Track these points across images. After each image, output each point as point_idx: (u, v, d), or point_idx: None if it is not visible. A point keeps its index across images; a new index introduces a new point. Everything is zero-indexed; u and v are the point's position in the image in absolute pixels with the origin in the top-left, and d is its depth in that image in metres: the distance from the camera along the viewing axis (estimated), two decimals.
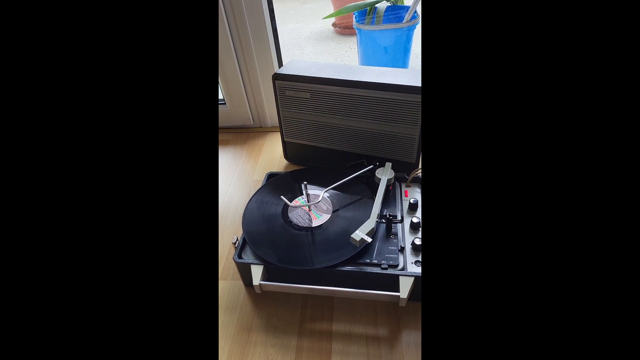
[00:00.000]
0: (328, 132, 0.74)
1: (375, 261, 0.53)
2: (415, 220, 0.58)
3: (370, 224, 0.54)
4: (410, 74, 0.66)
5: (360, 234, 0.53)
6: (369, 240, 0.52)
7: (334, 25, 2.35)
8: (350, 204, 0.62)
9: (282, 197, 0.60)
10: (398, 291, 0.49)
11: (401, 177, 0.67)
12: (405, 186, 0.67)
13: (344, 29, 2.26)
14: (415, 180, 0.68)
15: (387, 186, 0.63)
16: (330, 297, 0.56)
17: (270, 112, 0.99)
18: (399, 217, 0.60)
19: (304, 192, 0.60)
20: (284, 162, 0.86)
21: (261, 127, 1.01)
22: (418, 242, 0.54)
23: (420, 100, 0.62)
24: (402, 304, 0.49)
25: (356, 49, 1.85)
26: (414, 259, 0.54)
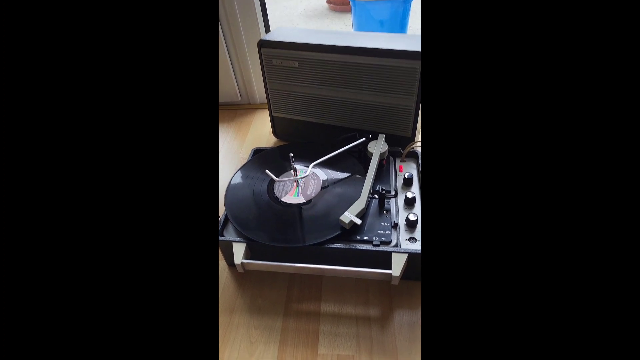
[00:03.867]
0: (319, 106, 0.69)
1: (367, 238, 0.49)
2: (410, 195, 0.54)
3: (360, 204, 0.51)
4: (407, 39, 0.61)
5: (349, 215, 0.49)
6: (359, 222, 0.48)
7: (328, 2, 2.26)
8: (340, 180, 0.58)
9: (267, 171, 0.55)
10: (390, 269, 0.46)
11: (396, 151, 0.64)
12: (400, 161, 0.63)
13: (338, 4, 2.18)
14: (410, 155, 0.64)
15: (381, 160, 0.59)
16: (318, 277, 0.53)
17: (259, 88, 0.93)
18: (392, 193, 0.56)
19: (291, 165, 0.56)
20: (273, 139, 0.82)
21: (249, 103, 0.96)
22: (412, 217, 0.51)
23: (417, 66, 0.57)
24: (395, 282, 0.46)
25: (351, 26, 1.78)
26: (407, 236, 0.50)
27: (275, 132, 0.80)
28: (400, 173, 0.61)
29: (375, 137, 0.61)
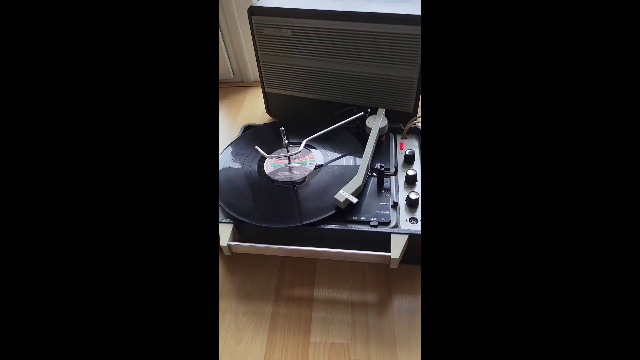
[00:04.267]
0: (314, 80, 0.65)
1: (364, 218, 0.45)
2: (411, 173, 0.50)
3: (356, 181, 0.47)
4: (409, 3, 0.56)
5: (344, 193, 0.45)
6: (355, 200, 0.44)
7: None
8: (336, 157, 0.54)
9: (257, 147, 0.51)
10: (389, 251, 0.42)
11: (396, 127, 0.59)
12: (401, 138, 0.59)
13: None
14: (412, 132, 0.59)
15: (380, 136, 0.55)
16: (312, 260, 0.49)
17: (252, 64, 0.88)
18: (392, 170, 0.52)
19: (283, 141, 0.52)
20: (267, 117, 0.77)
21: (242, 81, 0.92)
22: (414, 196, 0.47)
23: (419, 33, 0.52)
24: (394, 265, 0.42)
25: None
26: (408, 216, 0.47)
27: (269, 110, 0.75)
28: (401, 150, 0.56)
29: (374, 112, 0.57)
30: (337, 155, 0.55)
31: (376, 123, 0.54)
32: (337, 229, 0.44)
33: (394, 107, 0.62)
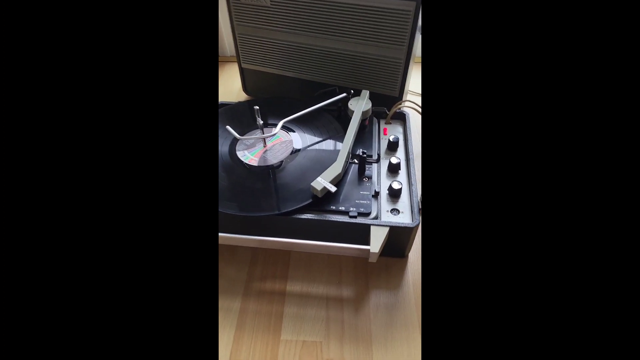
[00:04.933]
0: (294, 56, 0.60)
1: (342, 208, 0.42)
2: (394, 160, 0.47)
3: (336, 168, 0.43)
4: None
5: (322, 181, 0.41)
6: (333, 189, 0.41)
7: None
8: (315, 141, 0.50)
9: (228, 127, 0.47)
10: (368, 244, 0.39)
11: (381, 111, 0.55)
12: (385, 123, 0.55)
13: None
14: (397, 117, 0.56)
15: (363, 120, 0.51)
16: (286, 252, 0.46)
17: (227, 36, 0.82)
18: (375, 157, 0.48)
19: (257, 121, 0.47)
20: (243, 96, 0.72)
21: (217, 55, 0.85)
22: (396, 186, 0.44)
23: (411, 8, 0.48)
24: (373, 259, 0.39)
25: None
26: (390, 207, 0.44)
27: (245, 88, 0.70)
28: (385, 136, 0.53)
29: (357, 94, 0.53)
30: (317, 139, 0.51)
31: (359, 106, 0.50)
32: (314, 220, 0.41)
33: (379, 90, 0.58)
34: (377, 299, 0.41)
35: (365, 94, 0.52)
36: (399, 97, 0.58)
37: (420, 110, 0.56)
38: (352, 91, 0.53)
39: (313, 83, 0.62)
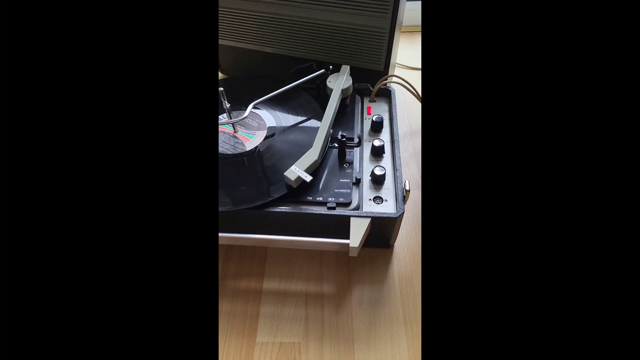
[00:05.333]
0: (271, 29, 0.54)
1: (320, 199, 0.39)
2: (377, 143, 0.43)
3: (311, 156, 0.39)
4: None
5: (297, 170, 0.37)
6: (309, 179, 0.37)
7: None
8: (292, 126, 0.46)
9: None
10: (349, 237, 0.36)
11: (364, 88, 0.51)
12: (369, 100, 0.51)
13: None
14: (382, 93, 0.51)
15: (344, 99, 0.47)
16: (262, 247, 0.43)
17: None
18: (356, 140, 0.44)
19: (223, 104, 0.43)
20: (220, 76, 0.66)
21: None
22: (379, 172, 0.40)
23: None
24: (353, 253, 0.36)
25: None
26: (372, 195, 0.40)
27: (220, 67, 0.64)
28: (368, 116, 0.49)
29: (337, 70, 0.48)
30: (293, 121, 0.46)
31: (338, 83, 0.45)
32: (289, 213, 0.37)
33: (363, 64, 0.53)
34: (360, 294, 0.39)
35: (346, 69, 0.47)
36: (384, 72, 0.53)
37: (408, 85, 0.51)
38: (331, 67, 0.48)
39: (293, 58, 0.56)
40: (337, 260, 0.41)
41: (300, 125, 0.46)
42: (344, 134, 0.41)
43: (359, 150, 0.44)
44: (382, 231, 0.39)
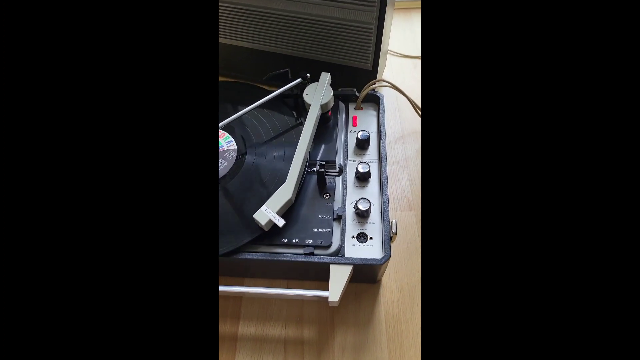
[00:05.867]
0: (249, 22, 0.46)
1: (296, 240, 0.34)
2: (362, 169, 0.38)
3: (284, 194, 0.34)
4: None
5: (267, 212, 0.33)
6: (281, 223, 0.33)
7: None
8: (265, 142, 0.40)
9: None
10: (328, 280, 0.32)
11: (349, 94, 0.44)
12: (355, 108, 0.44)
13: None
14: (370, 99, 0.45)
15: (325, 113, 0.41)
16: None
17: None
18: (337, 169, 0.39)
19: None
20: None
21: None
22: (363, 207, 0.35)
23: None
24: (334, 305, 0.33)
25: None
26: (356, 230, 0.36)
27: None
28: (354, 128, 0.43)
29: (316, 79, 0.41)
30: (266, 142, 0.41)
31: (317, 97, 0.39)
32: (260, 260, 0.33)
33: (350, 62, 0.46)
34: (343, 338, 0.36)
35: (326, 78, 0.40)
36: (372, 71, 0.46)
37: (399, 91, 0.44)
38: (308, 75, 0.41)
39: (272, 55, 0.49)
40: (319, 302, 0.38)
41: (276, 144, 0.40)
42: (323, 161, 0.36)
43: (342, 178, 0.38)
44: (367, 273, 0.36)
